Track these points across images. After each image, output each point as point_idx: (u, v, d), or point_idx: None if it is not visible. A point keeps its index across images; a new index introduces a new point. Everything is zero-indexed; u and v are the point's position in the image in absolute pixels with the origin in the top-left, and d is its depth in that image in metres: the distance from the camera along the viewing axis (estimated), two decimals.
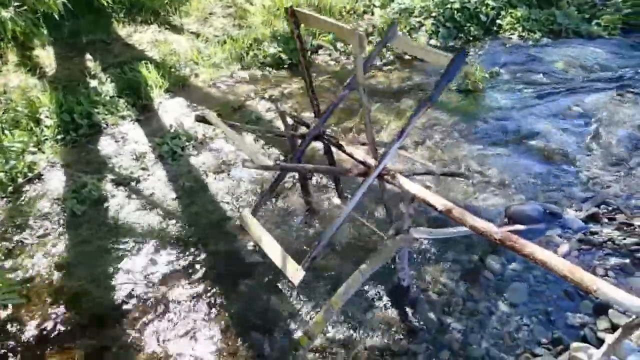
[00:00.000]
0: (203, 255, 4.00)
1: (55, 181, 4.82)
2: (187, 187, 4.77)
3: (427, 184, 4.63)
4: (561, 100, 6.24)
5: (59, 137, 5.34)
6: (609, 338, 2.60)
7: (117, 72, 6.46)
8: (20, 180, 4.77)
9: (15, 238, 4.19)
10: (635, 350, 2.80)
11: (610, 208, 4.34)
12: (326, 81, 6.73)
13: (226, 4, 8.71)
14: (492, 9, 8.27)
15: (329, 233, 3.17)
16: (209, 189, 4.75)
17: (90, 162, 5.13)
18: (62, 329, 3.43)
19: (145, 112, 5.98)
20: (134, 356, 3.25)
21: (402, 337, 3.30)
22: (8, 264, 3.94)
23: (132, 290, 3.72)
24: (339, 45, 7.60)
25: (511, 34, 8.09)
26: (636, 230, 4.01)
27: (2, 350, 3.28)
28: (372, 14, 8.41)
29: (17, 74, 6.30)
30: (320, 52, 7.56)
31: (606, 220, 4.19)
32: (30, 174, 4.85)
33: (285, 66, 7.11)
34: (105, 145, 5.39)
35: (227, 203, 4.56)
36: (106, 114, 5.75)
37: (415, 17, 8.07)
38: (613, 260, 3.75)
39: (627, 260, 3.71)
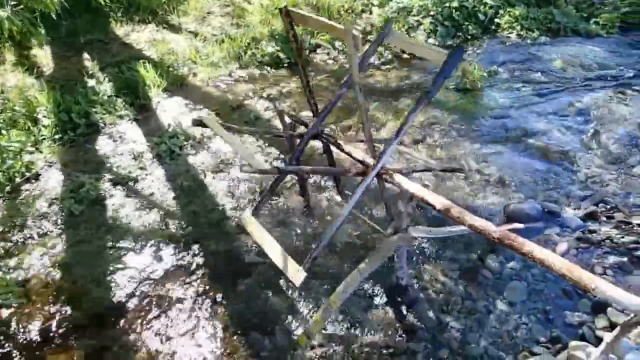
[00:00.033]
0: (202, 255, 3.99)
1: (53, 181, 4.81)
2: (186, 186, 4.76)
3: (425, 183, 4.64)
4: (560, 99, 6.24)
5: (56, 136, 5.32)
6: (608, 336, 2.60)
7: (114, 71, 6.44)
8: (17, 179, 4.76)
9: (13, 238, 4.17)
10: (633, 349, 2.81)
11: (608, 206, 4.34)
12: (324, 80, 6.73)
13: (224, 3, 8.70)
14: (491, 7, 8.27)
15: (329, 233, 3.17)
16: (207, 188, 4.74)
17: (88, 161, 5.11)
18: (62, 328, 3.42)
19: (143, 112, 5.96)
20: (133, 356, 3.24)
21: (400, 336, 3.31)
22: (6, 264, 3.92)
23: (131, 289, 3.71)
24: (337, 44, 7.60)
25: (509, 33, 8.09)
26: (634, 228, 4.02)
27: (2, 351, 3.27)
28: (371, 12, 8.40)
29: (15, 73, 6.27)
30: (318, 51, 7.55)
31: (604, 219, 4.20)
32: (27, 174, 4.84)
33: (284, 65, 7.10)
34: (103, 145, 5.37)
35: (226, 202, 4.55)
36: (104, 114, 5.73)
37: (414, 16, 8.06)
38: (611, 259, 3.75)
39: (626, 259, 3.72)
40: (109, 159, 5.16)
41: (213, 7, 8.62)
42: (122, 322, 3.46)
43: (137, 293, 3.68)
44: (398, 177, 3.14)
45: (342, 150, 3.59)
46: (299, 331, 3.31)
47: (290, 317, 3.46)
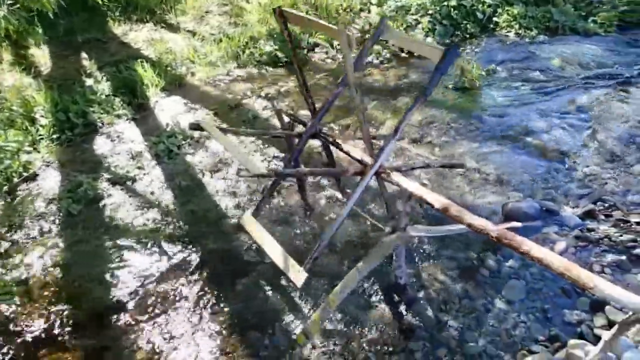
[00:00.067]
0: (200, 254, 3.98)
1: (51, 181, 4.80)
2: (184, 185, 4.75)
3: (424, 182, 4.63)
4: (558, 98, 6.24)
5: (54, 136, 5.30)
6: (606, 335, 2.60)
7: (112, 70, 6.43)
8: (15, 179, 4.74)
9: (11, 238, 4.16)
10: (631, 347, 2.81)
11: (606, 205, 4.34)
12: (323, 79, 6.72)
13: (222, 2, 8.68)
14: (489, 6, 8.27)
15: (329, 233, 3.18)
16: (205, 187, 4.73)
17: (85, 161, 5.10)
18: (60, 328, 3.41)
19: (141, 111, 5.95)
20: (132, 355, 3.24)
21: (399, 334, 3.30)
22: (4, 264, 3.91)
23: (130, 289, 3.70)
24: (335, 43, 7.58)
25: (508, 32, 8.09)
26: (633, 226, 4.02)
27: (1, 351, 3.26)
28: (369, 11, 8.39)
29: (12, 73, 6.25)
30: (316, 49, 7.54)
31: (603, 217, 4.20)
32: (25, 174, 4.82)
33: (282, 64, 7.09)
34: (101, 145, 5.36)
35: (224, 202, 4.54)
36: (102, 113, 5.72)
37: (412, 14, 8.06)
38: (610, 257, 3.75)
39: (624, 257, 3.73)
40: (107, 158, 5.15)
41: (211, 6, 8.60)
42: (121, 321, 3.46)
43: (136, 292, 3.67)
44: (396, 176, 3.14)
45: (341, 150, 3.59)
46: (298, 330, 3.30)
47: (288, 316, 3.46)
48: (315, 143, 4.69)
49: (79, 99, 5.70)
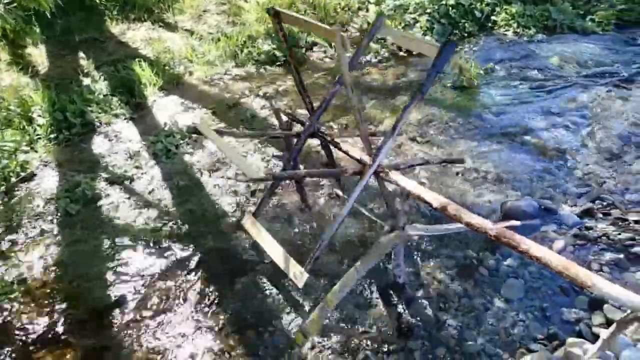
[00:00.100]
0: (199, 254, 3.97)
1: (49, 180, 4.78)
2: (182, 185, 4.74)
3: (422, 181, 4.63)
4: (556, 96, 6.25)
5: (51, 136, 5.29)
6: (604, 333, 2.61)
7: (110, 70, 6.41)
8: (12, 179, 4.72)
9: (9, 238, 4.15)
10: (629, 345, 2.81)
11: (605, 203, 4.35)
12: (321, 78, 6.71)
13: (220, 1, 8.66)
14: (487, 5, 8.27)
15: (329, 233, 3.18)
16: (203, 187, 4.72)
17: (83, 161, 5.09)
18: (59, 328, 3.40)
19: (139, 111, 5.93)
20: (130, 354, 3.23)
21: (398, 333, 3.30)
22: (2, 263, 3.90)
23: (128, 288, 3.69)
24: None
25: (506, 30, 8.10)
26: (631, 225, 4.03)
27: (1, 351, 3.25)
28: (367, 10, 8.39)
29: (9, 72, 6.24)
30: (315, 49, 7.53)
31: (601, 216, 4.21)
32: (23, 173, 4.81)
33: (280, 63, 7.08)
34: (99, 144, 5.35)
35: (223, 201, 4.53)
36: (99, 113, 5.70)
37: (410, 13, 8.06)
38: (608, 256, 3.76)
39: (622, 255, 3.73)
40: (105, 158, 5.13)
41: (209, 5, 8.59)
42: (119, 320, 3.45)
43: (134, 292, 3.67)
44: (395, 175, 3.14)
45: (339, 149, 3.59)
46: (297, 329, 3.30)
47: (287, 316, 3.46)
48: (314, 142, 4.68)
49: (76, 99, 5.68)
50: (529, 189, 4.60)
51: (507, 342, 3.22)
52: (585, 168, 4.89)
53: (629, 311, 2.24)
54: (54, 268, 3.87)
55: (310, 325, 3.01)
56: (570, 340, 3.03)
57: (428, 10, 8.00)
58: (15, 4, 5.14)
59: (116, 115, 5.77)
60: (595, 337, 3.03)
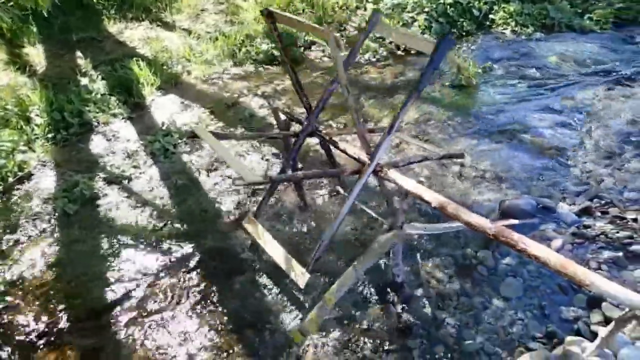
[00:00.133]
0: (197, 253, 3.97)
1: (46, 180, 4.77)
2: (180, 184, 4.73)
3: (421, 179, 4.63)
4: (554, 95, 6.25)
5: (49, 135, 5.27)
6: (603, 331, 2.62)
7: (108, 69, 6.39)
8: (10, 179, 4.70)
9: (7, 238, 4.13)
10: (628, 343, 2.82)
11: (603, 202, 4.35)
12: (319, 77, 6.71)
13: (218, 1, 8.64)
14: (485, 3, 8.28)
15: (329, 233, 3.17)
16: (201, 186, 4.71)
17: (81, 160, 5.07)
18: (57, 328, 3.39)
19: (137, 110, 5.92)
20: (128, 354, 3.22)
21: (396, 332, 3.30)
22: (0, 263, 3.89)
23: (126, 288, 3.68)
24: None
25: (504, 29, 8.10)
26: (629, 223, 4.03)
27: None
28: (365, 9, 8.38)
29: (7, 72, 6.21)
30: (313, 48, 7.52)
31: (599, 214, 4.21)
32: (20, 173, 4.79)
33: (278, 62, 7.07)
34: (97, 144, 5.33)
35: (221, 200, 4.53)
36: (97, 112, 5.69)
37: (408, 12, 8.05)
38: (606, 254, 3.76)
39: (620, 254, 3.73)
40: (103, 157, 5.12)
41: (207, 5, 8.57)
42: (118, 320, 3.45)
43: (132, 291, 3.66)
44: (393, 174, 3.14)
45: (337, 148, 3.58)
46: (295, 328, 3.29)
47: (286, 315, 3.45)
48: (312, 141, 4.68)
49: (74, 98, 5.67)
50: (527, 188, 4.60)
51: (505, 341, 3.22)
52: (583, 166, 4.90)
53: (627, 309, 2.24)
54: (52, 268, 3.86)
55: (308, 324, 3.01)
56: (568, 338, 3.03)
57: (426, 9, 8.00)
58: (12, 3, 5.13)
59: (114, 115, 5.75)
60: (593, 336, 3.03)
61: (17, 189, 4.67)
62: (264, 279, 3.72)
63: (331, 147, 3.79)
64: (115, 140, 5.40)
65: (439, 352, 3.17)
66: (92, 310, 3.52)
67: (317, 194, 4.55)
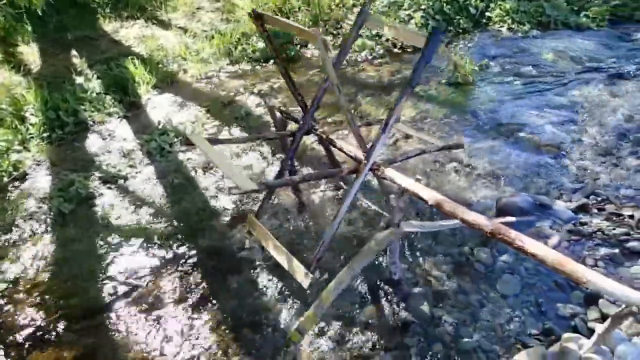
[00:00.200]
0: (193, 252, 3.96)
1: (42, 180, 4.74)
2: (177, 183, 4.72)
3: (418, 177, 4.62)
4: (551, 92, 6.26)
5: (44, 135, 5.24)
6: (599, 328, 2.62)
7: (103, 68, 6.36)
8: (5, 179, 4.68)
9: (2, 238, 4.11)
10: (624, 340, 2.82)
11: (599, 198, 4.36)
12: (316, 75, 6.69)
13: None
14: (481, 1, 8.27)
15: (329, 232, 3.17)
16: (198, 185, 4.70)
17: (77, 160, 5.05)
18: (52, 328, 3.37)
19: (132, 109, 5.89)
20: (125, 354, 3.21)
21: (394, 330, 3.30)
22: None
23: (123, 288, 3.67)
24: (328, 38, 7.55)
25: (500, 26, 8.10)
26: (625, 220, 4.04)
27: None
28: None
29: (1, 71, 6.17)
30: (309, 45, 7.50)
31: (596, 211, 4.22)
32: (15, 173, 4.76)
33: (274, 61, 7.04)
34: (92, 143, 5.30)
35: (217, 199, 4.51)
36: (93, 111, 5.66)
37: (405, 10, 8.04)
38: (603, 251, 3.77)
39: (617, 250, 3.74)
40: (99, 157, 5.09)
41: (202, 3, 8.54)
42: (113, 320, 3.43)
43: (129, 291, 3.64)
44: (390, 172, 3.13)
45: (334, 146, 3.57)
46: (292, 327, 3.29)
47: (283, 314, 3.44)
48: (309, 139, 4.67)
49: (69, 97, 5.63)
50: (524, 185, 4.60)
51: (502, 338, 3.22)
52: (579, 163, 4.91)
53: (623, 306, 2.24)
54: (48, 267, 3.84)
55: (305, 323, 3.00)
56: (565, 335, 3.03)
57: (422, 7, 7.98)
58: (5, 2, 5.09)
59: (110, 114, 5.72)
60: (590, 332, 3.03)
61: (12, 188, 4.64)
62: (261, 278, 3.71)
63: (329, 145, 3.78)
64: (111, 139, 5.38)
65: (437, 349, 3.17)
66: (88, 310, 3.50)
67: (317, 191, 4.54)
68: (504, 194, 4.47)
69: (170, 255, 3.94)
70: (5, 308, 3.53)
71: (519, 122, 5.61)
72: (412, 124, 5.56)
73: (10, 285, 3.69)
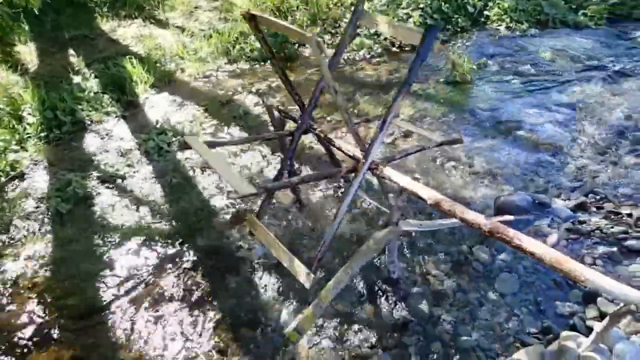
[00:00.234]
0: (191, 252, 3.95)
1: (39, 179, 4.72)
2: (175, 183, 4.70)
3: (416, 176, 4.63)
4: (549, 91, 6.26)
5: (42, 134, 5.23)
6: (598, 326, 2.61)
7: (101, 67, 6.35)
8: (2, 179, 4.66)
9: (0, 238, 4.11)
10: (623, 338, 2.82)
11: (598, 197, 4.36)
12: (314, 74, 6.68)
13: None
14: (480, 0, 8.27)
15: (330, 232, 3.16)
16: (196, 184, 4.69)
17: (74, 159, 5.03)
18: (51, 327, 3.36)
19: (130, 108, 5.88)
20: (123, 353, 3.20)
21: (393, 329, 3.30)
22: None
23: (121, 287, 3.66)
24: (326, 37, 7.54)
25: (499, 25, 8.10)
26: (623, 218, 4.04)
27: None
28: None
29: None
30: (307, 44, 7.48)
31: (594, 209, 4.22)
32: (12, 173, 4.75)
33: (270, 61, 7.02)
34: (90, 142, 5.29)
35: (215, 199, 4.50)
36: (90, 111, 5.64)
37: (403, 8, 8.03)
38: (601, 249, 3.77)
39: (615, 249, 3.74)
40: (96, 156, 5.08)
41: (200, 2, 8.53)
42: (111, 319, 3.42)
43: (127, 291, 3.64)
44: (389, 171, 3.12)
45: (333, 145, 3.56)
46: (291, 327, 3.28)
47: (281, 313, 3.44)
48: (308, 138, 4.66)
49: (66, 97, 5.62)
50: (522, 184, 4.61)
51: (501, 337, 3.22)
52: (578, 162, 4.91)
53: (622, 304, 2.24)
54: (46, 267, 3.83)
55: (304, 322, 2.99)
56: (564, 333, 3.03)
57: (421, 6, 7.98)
58: (2, 1, 5.07)
59: (107, 113, 5.71)
60: (589, 331, 3.03)
61: (10, 188, 4.62)
62: (259, 278, 3.71)
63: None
64: (108, 138, 5.36)
65: (436, 348, 3.17)
66: (86, 310, 3.49)
67: (311, 192, 4.54)
68: (503, 192, 4.47)
69: (168, 254, 3.93)
70: (4, 308, 3.51)
71: (517, 121, 5.61)
72: (410, 123, 5.55)
73: (8, 285, 3.68)
